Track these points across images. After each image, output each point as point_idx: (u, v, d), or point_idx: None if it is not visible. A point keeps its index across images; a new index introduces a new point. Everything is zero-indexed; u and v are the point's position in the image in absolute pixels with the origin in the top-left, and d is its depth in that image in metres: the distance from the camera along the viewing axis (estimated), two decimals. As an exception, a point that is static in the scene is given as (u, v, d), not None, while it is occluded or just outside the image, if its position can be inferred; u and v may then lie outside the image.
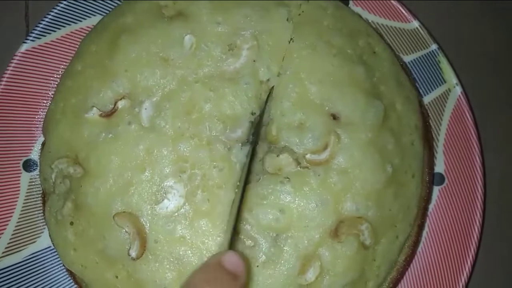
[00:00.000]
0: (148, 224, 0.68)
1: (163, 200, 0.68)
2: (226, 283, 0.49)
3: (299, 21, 0.76)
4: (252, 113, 0.72)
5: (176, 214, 0.68)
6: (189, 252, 0.67)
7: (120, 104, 0.72)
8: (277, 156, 0.70)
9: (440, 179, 0.84)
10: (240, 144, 0.70)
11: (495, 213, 0.92)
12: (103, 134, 0.71)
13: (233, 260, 0.51)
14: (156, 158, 0.69)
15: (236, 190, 0.69)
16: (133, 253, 0.67)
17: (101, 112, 0.72)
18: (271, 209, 0.69)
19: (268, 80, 0.73)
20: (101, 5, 0.86)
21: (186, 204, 0.68)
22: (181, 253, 0.67)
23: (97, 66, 0.75)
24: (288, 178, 0.69)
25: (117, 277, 0.70)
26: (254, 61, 0.73)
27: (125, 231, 0.68)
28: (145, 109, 0.71)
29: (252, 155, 0.71)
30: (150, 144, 0.69)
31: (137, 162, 0.69)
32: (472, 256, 0.79)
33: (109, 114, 0.72)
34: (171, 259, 0.67)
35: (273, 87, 0.73)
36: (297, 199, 0.69)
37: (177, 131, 0.70)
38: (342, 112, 0.72)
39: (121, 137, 0.70)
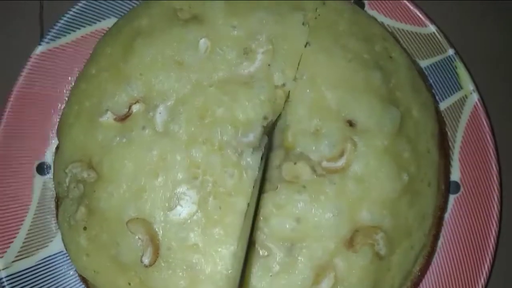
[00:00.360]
0: (161, 231, 0.67)
1: (176, 206, 0.67)
2: None
3: (315, 25, 0.75)
4: (265, 118, 0.71)
5: (189, 221, 0.67)
6: (202, 260, 0.66)
7: (135, 108, 0.72)
8: (295, 164, 0.70)
9: (456, 187, 0.83)
10: (251, 149, 0.69)
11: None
12: (117, 139, 0.70)
13: None
14: (169, 163, 0.68)
15: (250, 200, 0.68)
16: (146, 260, 0.67)
17: (115, 116, 0.72)
18: (288, 218, 0.68)
19: (283, 84, 0.72)
20: (116, 7, 0.86)
21: (199, 211, 0.67)
22: (194, 261, 0.67)
23: (111, 69, 0.74)
24: (304, 187, 0.69)
25: (129, 284, 0.69)
26: (269, 65, 0.72)
27: (138, 237, 0.67)
28: (160, 113, 0.70)
29: (266, 163, 0.70)
30: (163, 149, 0.69)
31: (151, 168, 0.69)
32: (488, 267, 0.78)
33: (123, 118, 0.72)
34: (184, 267, 0.67)
35: (289, 92, 0.72)
36: (313, 208, 0.68)
37: (190, 136, 0.69)
38: (358, 119, 0.71)
39: (135, 141, 0.70)
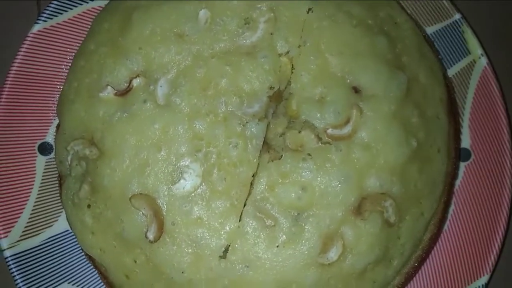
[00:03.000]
0: (165, 206, 0.66)
1: (179, 180, 0.67)
2: None
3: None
4: (271, 88, 0.69)
5: (193, 194, 0.66)
6: (207, 234, 0.66)
7: (135, 82, 0.70)
8: (299, 132, 0.68)
9: (466, 154, 0.82)
10: (257, 120, 0.68)
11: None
12: (118, 113, 0.69)
13: None
14: (172, 136, 0.67)
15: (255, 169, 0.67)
16: (151, 236, 0.66)
17: (116, 91, 0.71)
18: (293, 187, 0.67)
19: (287, 52, 0.70)
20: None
21: (203, 184, 0.66)
22: (198, 235, 0.66)
23: (110, 44, 0.73)
24: (310, 155, 0.67)
25: (135, 261, 0.69)
26: (271, 34, 0.71)
27: (142, 213, 0.66)
28: (161, 86, 0.69)
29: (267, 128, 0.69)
30: (165, 122, 0.68)
31: (153, 141, 0.68)
32: (502, 233, 0.77)
33: (124, 92, 0.70)
34: (189, 242, 0.66)
35: (292, 58, 0.71)
36: (319, 176, 0.67)
37: (193, 108, 0.68)
38: (364, 85, 0.70)
39: (136, 116, 0.68)
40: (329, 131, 0.68)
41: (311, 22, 0.71)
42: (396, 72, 0.71)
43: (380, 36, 0.72)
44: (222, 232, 0.66)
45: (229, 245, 0.66)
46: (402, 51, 0.74)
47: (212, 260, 0.66)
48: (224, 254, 0.66)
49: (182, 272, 0.66)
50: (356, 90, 0.69)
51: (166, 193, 0.67)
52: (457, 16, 0.81)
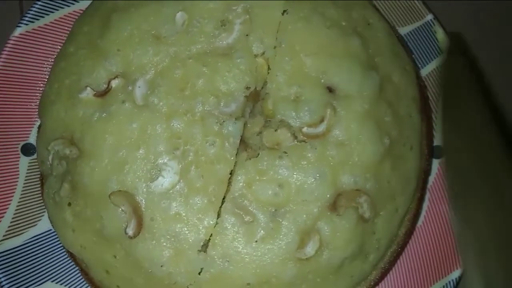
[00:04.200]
0: (144, 202, 0.68)
1: (158, 177, 0.68)
2: None
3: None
4: (247, 87, 0.71)
5: (171, 191, 0.68)
6: (185, 229, 0.67)
7: (114, 83, 0.72)
8: (275, 130, 0.70)
9: (440, 151, 0.83)
10: (234, 119, 0.70)
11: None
12: (97, 114, 0.70)
13: None
14: (150, 135, 0.69)
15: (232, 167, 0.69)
16: (130, 232, 0.67)
17: (95, 92, 0.72)
18: (270, 184, 0.68)
19: (263, 53, 0.72)
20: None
21: (181, 181, 0.68)
22: (177, 230, 0.67)
23: (89, 46, 0.74)
24: (286, 152, 0.69)
25: (115, 256, 0.70)
26: (247, 35, 0.72)
27: (122, 210, 0.67)
28: (139, 87, 0.70)
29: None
30: (144, 121, 0.69)
31: (131, 140, 0.69)
32: (474, 228, 0.78)
33: (103, 93, 0.72)
34: (168, 237, 0.67)
35: (268, 59, 0.72)
36: (295, 173, 0.68)
37: (170, 108, 0.70)
38: (338, 85, 0.71)
39: (115, 116, 0.70)
40: (304, 129, 0.70)
41: (286, 23, 0.73)
42: (370, 72, 0.73)
43: (354, 37, 0.74)
44: (201, 227, 0.67)
45: (208, 240, 0.67)
46: (375, 52, 0.75)
47: (191, 254, 0.67)
48: (203, 248, 0.67)
49: (161, 266, 0.67)
50: (330, 89, 0.71)
51: (145, 190, 0.68)
52: (430, 16, 0.83)
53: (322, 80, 0.71)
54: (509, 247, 0.43)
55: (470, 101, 0.62)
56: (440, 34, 0.83)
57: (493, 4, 0.97)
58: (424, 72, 0.85)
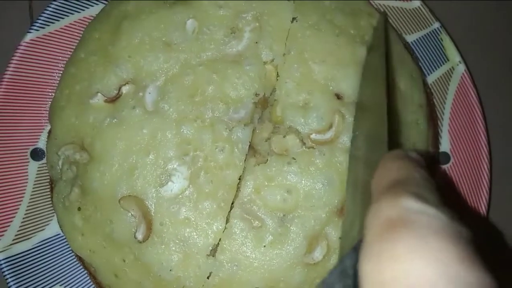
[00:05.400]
0: (153, 207, 0.68)
1: (167, 182, 0.69)
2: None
3: (300, 1, 0.76)
4: (256, 94, 0.72)
5: (181, 196, 0.68)
6: (194, 233, 0.68)
7: (124, 89, 0.73)
8: (284, 137, 0.71)
9: (446, 158, 0.84)
10: (243, 125, 0.70)
11: (501, 189, 0.91)
12: (108, 119, 0.71)
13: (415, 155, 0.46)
14: (160, 141, 0.69)
15: (241, 172, 0.69)
16: (140, 236, 0.68)
17: (105, 98, 0.73)
18: (279, 190, 0.69)
19: (272, 60, 0.73)
20: (104, -7, 0.87)
21: (190, 186, 0.69)
22: (186, 234, 0.68)
23: (100, 52, 0.75)
24: (294, 158, 0.70)
25: (124, 260, 0.70)
26: (256, 42, 0.73)
27: (131, 214, 0.68)
28: (149, 93, 0.71)
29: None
30: (154, 127, 0.70)
31: (142, 146, 0.70)
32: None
33: (113, 99, 0.73)
34: (177, 241, 0.68)
35: (277, 66, 0.73)
36: (303, 179, 0.69)
37: (180, 114, 0.70)
38: (345, 92, 0.72)
39: (125, 121, 0.71)
40: (313, 136, 0.70)
41: (295, 31, 0.74)
42: (376, 80, 0.73)
43: (362, 45, 0.75)
44: (210, 232, 0.68)
45: (217, 244, 0.68)
46: (382, 59, 0.76)
47: (200, 258, 0.68)
48: (212, 253, 0.68)
49: (170, 270, 0.68)
50: (338, 96, 0.72)
51: (154, 195, 0.68)
52: (436, 24, 0.84)
53: (331, 87, 0.72)
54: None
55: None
56: (447, 42, 0.84)
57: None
58: (430, 79, 0.86)
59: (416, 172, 0.40)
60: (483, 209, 0.79)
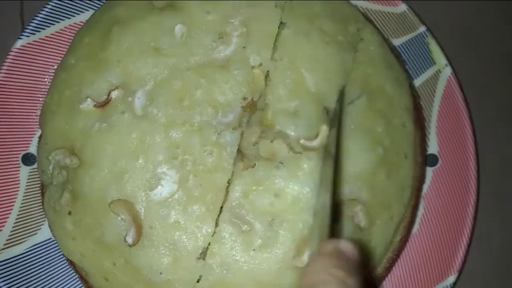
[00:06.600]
0: (143, 211, 0.69)
1: (157, 186, 0.69)
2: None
3: (290, 7, 0.77)
4: (244, 98, 0.72)
5: (170, 200, 0.69)
6: (184, 237, 0.68)
7: (114, 94, 0.73)
8: (271, 141, 0.71)
9: (434, 160, 0.85)
10: (231, 129, 0.71)
11: (489, 190, 0.92)
12: (97, 124, 0.72)
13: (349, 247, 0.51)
14: (149, 145, 0.70)
15: (230, 176, 0.70)
16: (130, 240, 0.68)
17: (95, 103, 0.73)
18: (267, 194, 0.69)
19: (260, 64, 0.74)
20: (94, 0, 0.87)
21: (179, 189, 0.69)
22: (176, 238, 0.68)
23: (90, 58, 0.76)
24: (282, 163, 0.70)
25: (115, 264, 0.71)
26: (244, 47, 0.74)
27: (121, 218, 0.69)
28: (138, 98, 0.72)
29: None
30: (143, 132, 0.70)
31: (131, 150, 0.70)
32: (468, 236, 0.80)
33: (103, 104, 0.73)
34: (167, 244, 0.68)
35: (268, 71, 0.73)
36: (291, 183, 0.69)
37: (169, 118, 0.71)
38: (332, 105, 0.73)
39: (114, 126, 0.71)
40: (301, 141, 0.71)
41: (286, 37, 0.75)
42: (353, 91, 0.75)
43: (350, 52, 0.76)
44: (199, 235, 0.68)
45: (207, 248, 0.69)
46: (367, 65, 0.78)
47: (190, 262, 0.68)
48: (202, 256, 0.68)
49: (160, 273, 0.68)
50: (326, 109, 0.73)
51: (144, 198, 0.69)
52: (422, 28, 0.85)
53: (320, 100, 0.73)
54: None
55: None
56: (433, 46, 0.85)
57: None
58: (417, 82, 0.87)
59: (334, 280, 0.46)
60: (470, 210, 0.80)
